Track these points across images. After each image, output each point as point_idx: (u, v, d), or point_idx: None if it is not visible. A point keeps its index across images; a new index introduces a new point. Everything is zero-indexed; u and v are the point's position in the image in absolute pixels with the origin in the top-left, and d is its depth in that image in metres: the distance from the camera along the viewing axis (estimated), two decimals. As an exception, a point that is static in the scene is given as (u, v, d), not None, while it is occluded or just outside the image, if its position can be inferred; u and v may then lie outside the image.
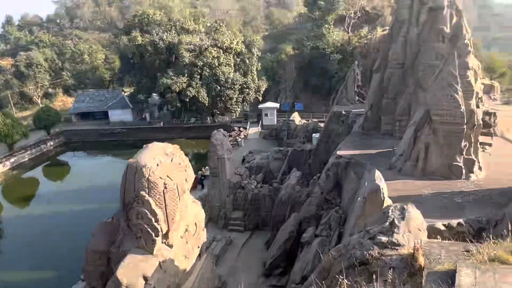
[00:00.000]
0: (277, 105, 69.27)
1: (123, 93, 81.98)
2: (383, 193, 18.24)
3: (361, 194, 21.22)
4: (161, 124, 73.22)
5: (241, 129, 67.50)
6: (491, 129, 33.39)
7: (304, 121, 61.60)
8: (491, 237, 11.32)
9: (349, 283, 9.86)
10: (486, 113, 32.76)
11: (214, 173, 36.44)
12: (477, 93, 27.01)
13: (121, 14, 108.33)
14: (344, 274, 10.21)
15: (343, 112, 41.10)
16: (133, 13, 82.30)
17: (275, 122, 66.49)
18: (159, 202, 16.12)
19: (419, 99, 31.08)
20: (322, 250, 23.42)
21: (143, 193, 15.77)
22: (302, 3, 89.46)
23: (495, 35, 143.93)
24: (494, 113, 33.95)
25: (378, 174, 19.21)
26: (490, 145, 31.31)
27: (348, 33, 76.23)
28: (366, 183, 20.56)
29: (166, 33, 71.06)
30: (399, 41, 33.57)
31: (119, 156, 64.61)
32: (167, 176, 16.34)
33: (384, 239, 11.43)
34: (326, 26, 74.60)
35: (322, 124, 52.50)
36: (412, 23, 33.01)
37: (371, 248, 11.26)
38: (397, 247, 11.09)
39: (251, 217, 36.21)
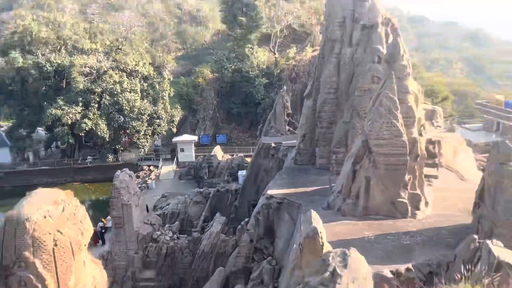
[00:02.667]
0: (195, 138, 69.36)
1: (-3, 128, 77.99)
2: (321, 237, 18.61)
3: (296, 240, 21.47)
4: (50, 165, 70.14)
5: (152, 168, 66.65)
6: (436, 159, 35.24)
7: (227, 156, 61.92)
8: (443, 282, 11.91)
9: None
10: (429, 141, 34.58)
11: (118, 224, 35.25)
12: (419, 120, 28.60)
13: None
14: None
15: (273, 144, 41.85)
16: (12, 29, 79.30)
17: (193, 158, 66.34)
18: (47, 264, 15.28)
19: (356, 127, 32.39)
20: (253, 310, 23.29)
21: (26, 253, 14.90)
22: (220, 20, 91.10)
23: (435, 56, 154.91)
24: (438, 141, 35.87)
25: (314, 215, 19.61)
26: (435, 177, 32.99)
27: (275, 54, 78.58)
28: (301, 227, 20.87)
29: (54, 54, 69.17)
30: (332, 62, 34.98)
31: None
32: (58, 231, 15.59)
33: (325, 291, 11.66)
34: (249, 45, 76.43)
35: (249, 159, 53.02)
36: (344, 42, 34.59)
37: (311, 303, 11.43)
38: (340, 301, 11.35)
39: (166, 276, 35.27)
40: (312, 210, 20.37)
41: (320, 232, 18.54)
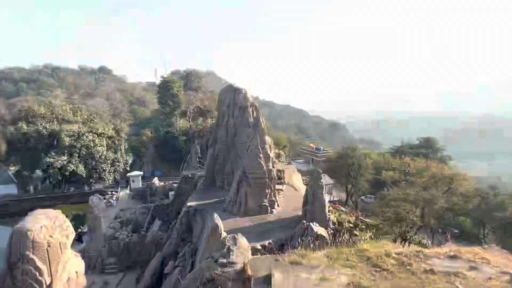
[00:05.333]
0: (141, 173, 65.24)
1: (8, 171, 67.67)
2: (221, 229, 18.39)
3: (206, 232, 21.00)
4: (44, 194, 61.80)
5: (113, 192, 61.36)
6: (282, 180, 36.66)
7: (162, 183, 59.17)
8: (289, 248, 12.27)
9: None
10: (278, 170, 36.01)
11: (92, 229, 32.04)
12: (272, 158, 29.76)
13: (7, 109, 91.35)
14: (198, 291, 9.83)
15: (190, 175, 40.90)
16: (19, 107, 70.83)
17: (140, 185, 62.24)
18: (43, 259, 13.42)
19: (238, 164, 32.83)
20: (181, 276, 22.07)
21: (27, 252, 13.00)
22: (157, 102, 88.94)
23: (278, 123, 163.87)
24: (283, 170, 37.48)
25: (216, 216, 19.39)
26: (282, 190, 34.23)
27: (189, 122, 77.75)
28: (208, 224, 20.48)
29: (49, 123, 62.63)
30: (223, 127, 35.46)
31: (6, 224, 52.12)
32: (50, 236, 13.85)
33: (224, 260, 11.43)
34: (174, 118, 75.24)
35: (175, 185, 51.13)
36: (230, 116, 35.35)
37: (216, 268, 11.14)
38: (233, 265, 11.18)
39: (123, 260, 32.35)
40: (214, 213, 20.12)
41: (220, 226, 18.32)
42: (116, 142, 65.87)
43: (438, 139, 68.88)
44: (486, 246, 18.39)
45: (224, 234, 18.08)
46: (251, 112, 34.53)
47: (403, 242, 23.06)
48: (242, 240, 12.62)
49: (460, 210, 37.02)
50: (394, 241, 22.58)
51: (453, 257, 10.79)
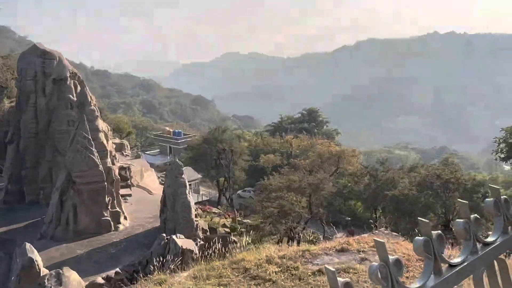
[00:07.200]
0: None
1: None
2: (38, 265, 16.95)
3: (14, 272, 19.09)
4: None
5: None
6: (128, 181, 35.78)
7: None
8: (142, 276, 12.17)
9: None
10: (121, 168, 34.94)
11: None
12: (111, 152, 28.73)
13: None
14: None
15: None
16: None
17: None
18: None
19: (59, 164, 30.57)
20: None
21: None
22: None
23: (116, 101, 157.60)
24: (128, 167, 36.54)
25: (29, 247, 17.78)
26: (130, 195, 33.45)
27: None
28: (18, 260, 18.67)
29: None
30: (29, 111, 32.46)
31: None
32: None
33: (44, 311, 10.66)
34: None
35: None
36: (39, 93, 32.52)
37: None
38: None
39: None
40: (26, 243, 18.41)
41: (36, 261, 16.90)
42: None
43: (318, 109, 77.86)
44: (376, 231, 21.96)
45: (45, 271, 16.76)
46: (73, 87, 32.32)
47: (290, 241, 25.48)
48: (72, 276, 11.94)
49: (350, 192, 43.04)
50: (280, 241, 24.69)
51: (342, 251, 12.52)
